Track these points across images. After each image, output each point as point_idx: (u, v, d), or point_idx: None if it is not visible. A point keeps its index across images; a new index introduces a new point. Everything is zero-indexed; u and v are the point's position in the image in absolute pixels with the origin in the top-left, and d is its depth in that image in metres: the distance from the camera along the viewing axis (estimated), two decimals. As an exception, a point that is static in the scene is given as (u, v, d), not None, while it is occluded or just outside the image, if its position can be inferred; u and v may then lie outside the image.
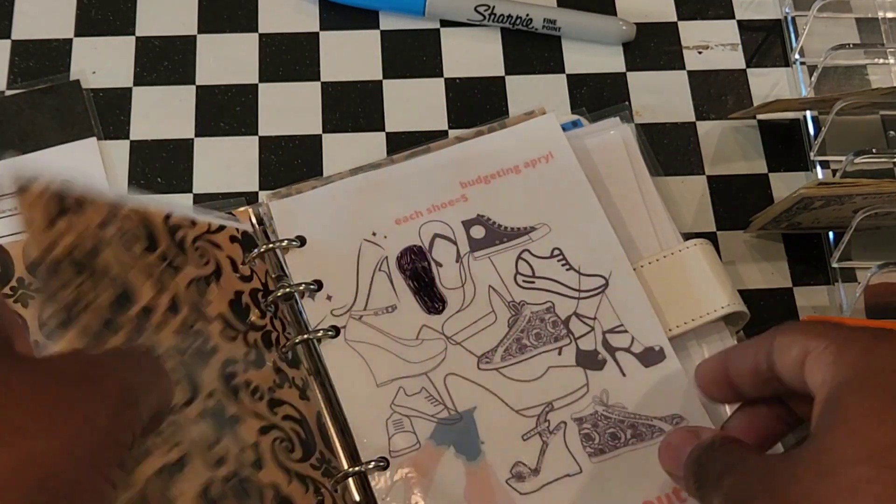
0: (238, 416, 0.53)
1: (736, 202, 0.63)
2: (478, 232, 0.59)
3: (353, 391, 0.55)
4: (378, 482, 0.53)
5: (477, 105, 0.65)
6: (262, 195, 0.61)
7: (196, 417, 0.53)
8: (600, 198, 0.59)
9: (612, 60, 0.67)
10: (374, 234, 0.58)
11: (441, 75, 0.66)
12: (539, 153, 0.60)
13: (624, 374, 0.56)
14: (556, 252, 0.58)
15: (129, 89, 0.65)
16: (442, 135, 0.64)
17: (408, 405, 0.55)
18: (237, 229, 0.58)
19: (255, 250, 0.57)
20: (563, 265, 0.58)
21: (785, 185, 0.64)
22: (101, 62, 0.65)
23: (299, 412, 0.55)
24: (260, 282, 0.57)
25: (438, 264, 0.58)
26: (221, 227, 0.58)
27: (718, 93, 0.66)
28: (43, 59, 0.65)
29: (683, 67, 0.67)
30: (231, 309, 0.56)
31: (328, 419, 0.55)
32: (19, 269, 0.57)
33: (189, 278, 0.56)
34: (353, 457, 0.54)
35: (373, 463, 0.53)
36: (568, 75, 0.66)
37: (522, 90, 0.66)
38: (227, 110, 0.64)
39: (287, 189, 0.60)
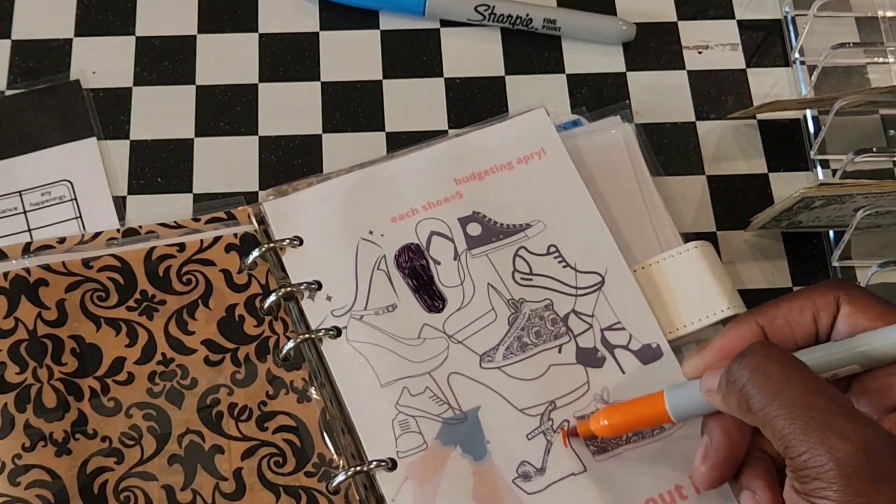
0: (218, 446, 0.54)
1: (736, 202, 0.63)
2: (474, 229, 0.59)
3: (357, 392, 0.55)
4: (386, 483, 0.53)
5: (477, 105, 0.65)
6: (262, 195, 0.61)
7: (164, 465, 0.53)
8: (599, 197, 0.60)
9: (612, 60, 0.67)
10: (370, 232, 0.58)
11: (441, 75, 0.66)
12: (531, 149, 0.60)
13: (623, 372, 0.56)
14: (553, 249, 0.58)
15: (129, 89, 0.65)
16: (442, 135, 0.64)
17: (413, 405, 0.55)
18: (235, 234, 0.58)
19: (256, 251, 0.57)
20: (559, 262, 0.58)
21: (785, 185, 0.64)
22: (101, 62, 0.65)
23: (295, 419, 0.55)
24: (259, 284, 0.57)
25: (436, 262, 0.58)
26: (217, 240, 0.58)
27: (718, 93, 0.66)
28: (43, 59, 0.65)
29: (683, 67, 0.67)
30: (220, 329, 0.56)
31: (332, 417, 0.55)
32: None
33: (169, 313, 0.56)
34: (357, 456, 0.54)
35: (375, 462, 0.53)
36: (568, 75, 0.66)
37: (522, 90, 0.66)
38: (227, 110, 0.64)
39: (287, 186, 0.60)
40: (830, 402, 0.43)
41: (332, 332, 0.56)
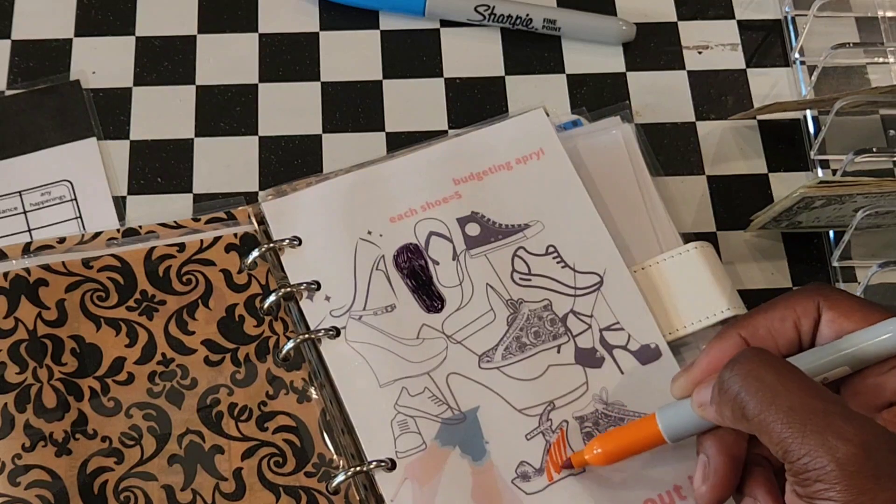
0: (218, 446, 0.54)
1: (736, 202, 0.63)
2: (473, 229, 0.59)
3: (356, 392, 0.55)
4: (385, 483, 0.53)
5: (477, 105, 0.65)
6: (261, 195, 0.61)
7: (164, 465, 0.53)
8: (599, 197, 0.60)
9: (612, 60, 0.67)
10: (369, 232, 0.58)
11: (441, 75, 0.66)
12: (530, 149, 0.61)
13: (622, 372, 0.56)
14: (551, 249, 0.58)
15: (129, 89, 0.65)
16: (442, 135, 0.64)
17: (412, 405, 0.55)
18: (235, 234, 0.58)
19: (255, 251, 0.57)
20: (558, 262, 0.58)
21: (785, 185, 0.64)
22: (101, 62, 0.65)
23: (295, 419, 0.55)
24: (259, 284, 0.57)
25: (435, 262, 0.58)
26: (217, 240, 0.58)
27: (718, 93, 0.66)
28: (43, 59, 0.65)
29: (683, 67, 0.67)
30: (220, 329, 0.56)
31: (332, 417, 0.55)
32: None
33: (169, 313, 0.56)
34: (357, 457, 0.54)
35: (374, 462, 0.53)
36: (568, 75, 0.66)
37: (522, 90, 0.66)
38: (227, 110, 0.64)
39: (286, 186, 0.60)
40: (827, 403, 0.43)
41: (330, 333, 0.56)
